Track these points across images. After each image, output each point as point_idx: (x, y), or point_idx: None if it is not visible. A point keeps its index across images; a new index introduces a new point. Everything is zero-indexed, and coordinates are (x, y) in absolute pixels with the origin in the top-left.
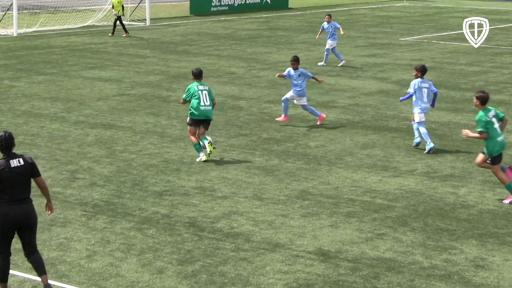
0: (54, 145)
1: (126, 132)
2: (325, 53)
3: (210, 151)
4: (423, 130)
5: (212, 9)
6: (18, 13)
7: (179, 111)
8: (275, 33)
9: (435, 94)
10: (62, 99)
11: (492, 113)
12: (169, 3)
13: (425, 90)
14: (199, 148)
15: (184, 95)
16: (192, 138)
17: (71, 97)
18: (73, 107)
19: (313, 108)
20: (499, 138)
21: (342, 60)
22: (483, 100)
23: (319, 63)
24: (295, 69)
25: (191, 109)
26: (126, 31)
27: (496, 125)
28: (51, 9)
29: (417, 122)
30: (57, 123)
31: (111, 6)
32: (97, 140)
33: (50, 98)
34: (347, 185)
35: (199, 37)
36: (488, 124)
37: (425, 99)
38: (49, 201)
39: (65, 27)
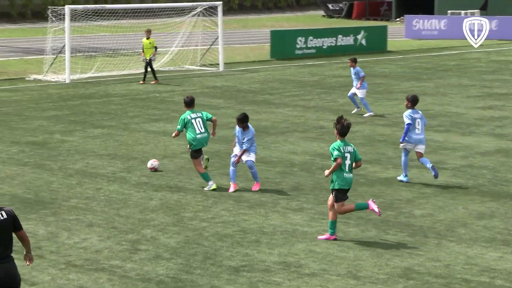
0: (112, 210)
1: (196, 196)
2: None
3: (205, 166)
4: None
5: (297, 52)
6: (71, 56)
7: (260, 171)
8: (371, 80)
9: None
10: (122, 157)
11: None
12: (247, 45)
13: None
14: (208, 176)
15: (178, 126)
16: (200, 168)
17: (132, 154)
18: (134, 166)
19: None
20: (346, 175)
21: (357, 108)
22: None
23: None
24: None
25: (189, 140)
26: (155, 78)
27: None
28: (109, 52)
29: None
30: (116, 184)
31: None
32: (162, 205)
33: (107, 155)
34: (460, 263)
35: (282, 84)
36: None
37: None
38: (29, 252)
39: (125, 72)
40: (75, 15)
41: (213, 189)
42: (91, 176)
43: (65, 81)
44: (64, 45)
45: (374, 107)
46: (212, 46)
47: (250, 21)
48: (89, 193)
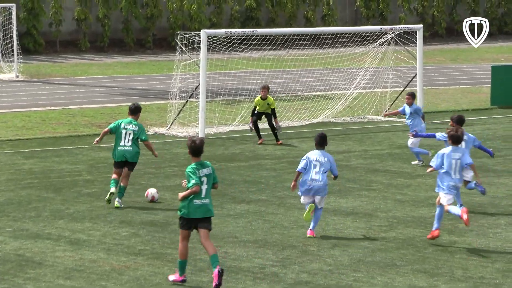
0: None
1: None
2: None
3: (108, 199)
4: None
5: None
6: (207, 101)
7: (467, 267)
8: None
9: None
10: (274, 244)
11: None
12: (456, 87)
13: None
14: (117, 191)
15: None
16: (124, 181)
17: (289, 241)
18: (291, 257)
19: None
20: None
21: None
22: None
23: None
24: None
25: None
26: (259, 137)
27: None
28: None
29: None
30: (265, 284)
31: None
32: None
33: (253, 242)
34: None
35: (506, 143)
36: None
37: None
38: None
39: (282, 124)
40: (214, 43)
41: (109, 197)
42: (230, 271)
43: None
44: (198, 86)
45: None
46: (408, 88)
47: (462, 51)
48: None
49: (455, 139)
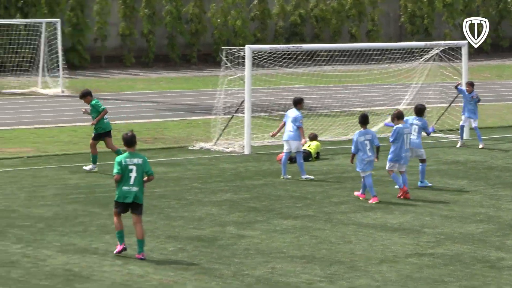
0: None
1: None
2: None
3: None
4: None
5: None
6: (252, 116)
7: None
8: None
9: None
10: (321, 260)
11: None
12: (503, 103)
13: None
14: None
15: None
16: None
17: (336, 256)
18: (339, 273)
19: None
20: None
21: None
22: None
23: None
24: None
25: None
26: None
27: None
28: (305, 110)
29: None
30: None
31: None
32: None
33: (300, 258)
34: None
35: None
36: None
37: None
38: None
39: (327, 139)
40: (258, 58)
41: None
42: (277, 287)
43: (243, 152)
44: (243, 101)
45: None
46: (453, 104)
47: (507, 68)
48: None
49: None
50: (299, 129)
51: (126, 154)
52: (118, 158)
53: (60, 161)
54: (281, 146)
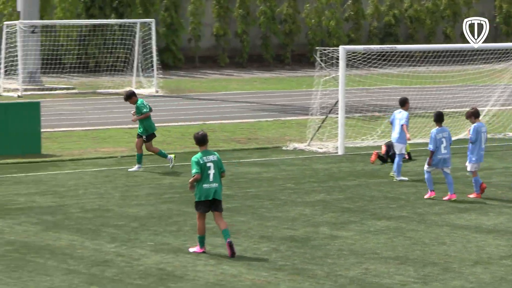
0: None
1: None
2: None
3: None
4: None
5: None
6: (346, 117)
7: None
8: None
9: None
10: (415, 261)
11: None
12: None
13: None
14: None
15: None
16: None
17: (430, 258)
18: (433, 274)
19: None
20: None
21: None
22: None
23: None
24: None
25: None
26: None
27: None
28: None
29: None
30: None
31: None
32: None
33: (394, 259)
34: None
35: None
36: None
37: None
38: None
39: (418, 141)
40: (353, 59)
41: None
42: None
43: (337, 153)
44: (337, 102)
45: None
46: None
47: None
48: None
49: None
50: (402, 126)
51: (200, 153)
52: (195, 158)
53: (153, 160)
54: (375, 147)
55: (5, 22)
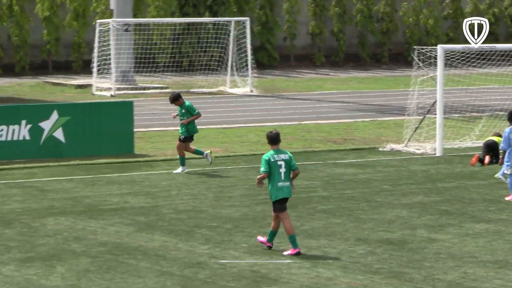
0: None
1: None
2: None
3: None
4: None
5: None
6: (444, 117)
7: None
8: None
9: None
10: None
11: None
12: None
13: None
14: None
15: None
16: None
17: None
18: None
19: None
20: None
21: None
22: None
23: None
24: None
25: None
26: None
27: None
28: (499, 112)
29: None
30: None
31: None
32: None
33: (493, 263)
34: None
35: None
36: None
37: None
38: None
39: None
40: (451, 58)
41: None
42: None
43: (435, 154)
44: (435, 102)
45: None
46: None
47: None
48: None
49: None
50: None
51: (272, 151)
52: (266, 156)
53: (247, 161)
54: (475, 149)
55: (98, 20)
